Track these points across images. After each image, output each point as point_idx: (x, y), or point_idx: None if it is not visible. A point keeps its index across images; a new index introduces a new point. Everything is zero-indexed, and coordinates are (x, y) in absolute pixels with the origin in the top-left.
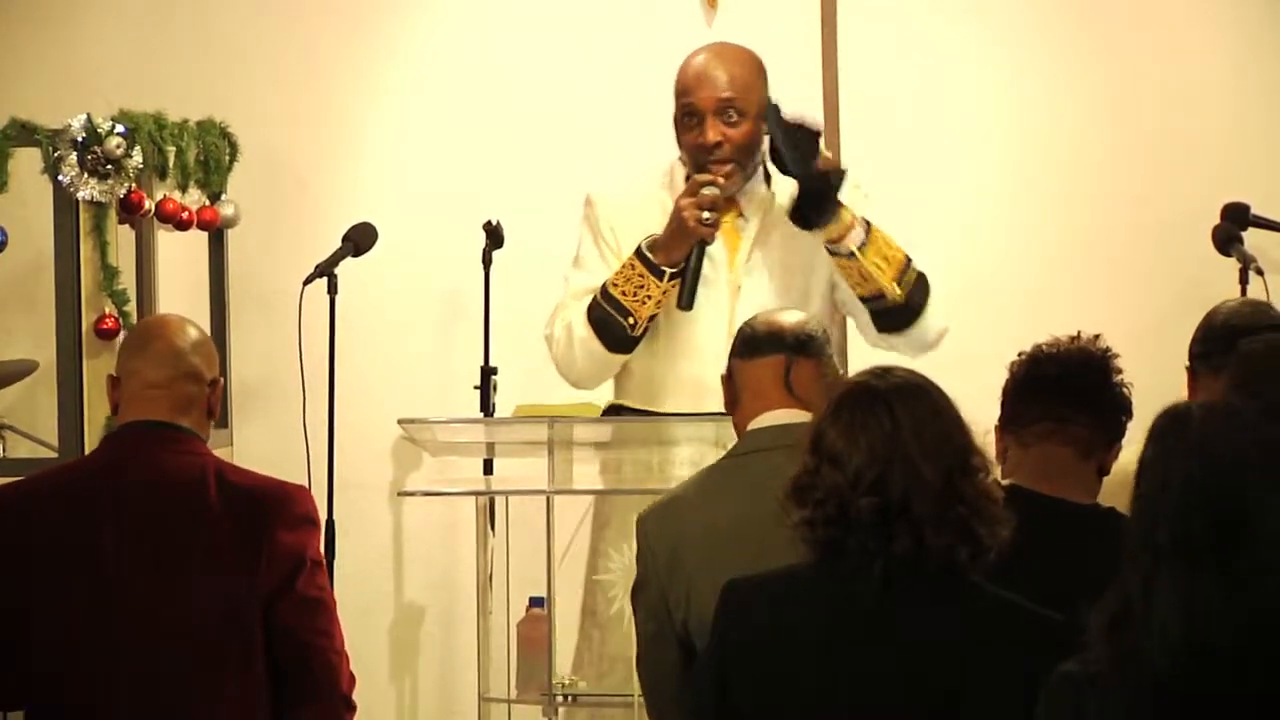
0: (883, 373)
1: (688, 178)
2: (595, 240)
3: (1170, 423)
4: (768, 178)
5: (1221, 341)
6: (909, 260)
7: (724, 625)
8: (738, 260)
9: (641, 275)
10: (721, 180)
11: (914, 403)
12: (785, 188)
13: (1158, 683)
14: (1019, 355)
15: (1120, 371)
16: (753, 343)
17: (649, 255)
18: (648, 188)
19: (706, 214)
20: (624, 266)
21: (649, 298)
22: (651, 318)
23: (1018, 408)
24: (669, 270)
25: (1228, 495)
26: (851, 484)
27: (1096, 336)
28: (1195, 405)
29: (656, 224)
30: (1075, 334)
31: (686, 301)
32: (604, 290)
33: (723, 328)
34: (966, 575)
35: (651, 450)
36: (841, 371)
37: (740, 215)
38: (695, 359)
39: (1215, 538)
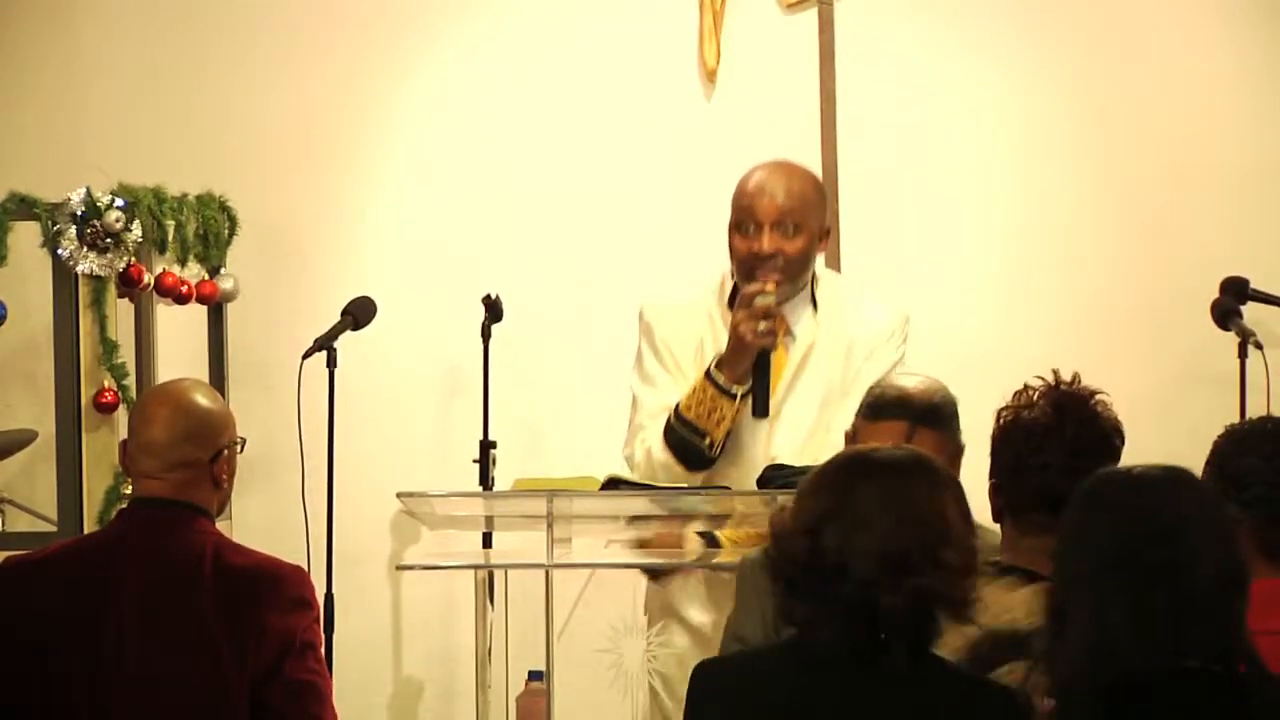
0: (877, 445)
1: (734, 289)
2: (655, 355)
3: (1098, 482)
4: (814, 303)
5: None
6: None
7: (695, 710)
8: (780, 386)
9: (713, 399)
10: (770, 287)
11: (899, 481)
12: (830, 315)
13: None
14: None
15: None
16: (878, 406)
17: (717, 378)
18: (699, 297)
19: (762, 324)
20: (694, 389)
21: (723, 418)
22: (728, 435)
23: (1016, 494)
24: (739, 390)
25: (1151, 545)
26: (822, 558)
27: None
28: (1125, 467)
29: (708, 333)
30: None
31: (761, 410)
32: (678, 413)
33: (759, 452)
34: (931, 653)
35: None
36: None
37: (789, 334)
38: (734, 482)
39: (1135, 582)
